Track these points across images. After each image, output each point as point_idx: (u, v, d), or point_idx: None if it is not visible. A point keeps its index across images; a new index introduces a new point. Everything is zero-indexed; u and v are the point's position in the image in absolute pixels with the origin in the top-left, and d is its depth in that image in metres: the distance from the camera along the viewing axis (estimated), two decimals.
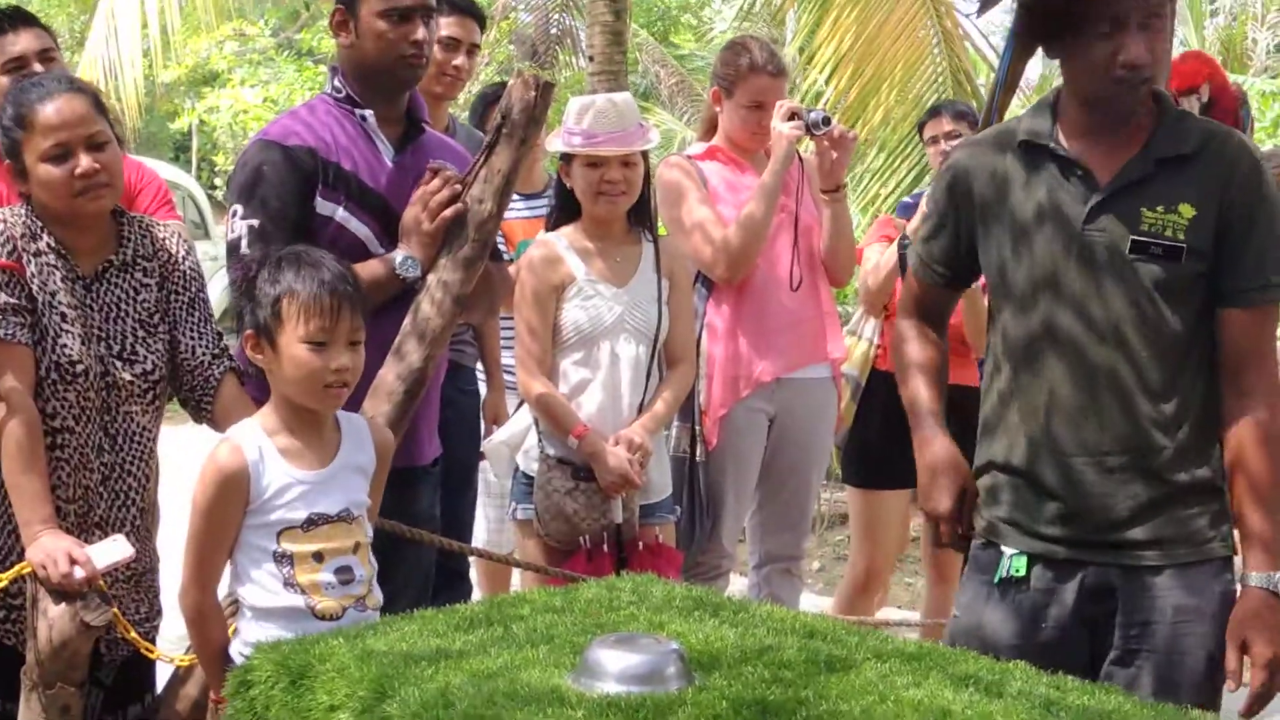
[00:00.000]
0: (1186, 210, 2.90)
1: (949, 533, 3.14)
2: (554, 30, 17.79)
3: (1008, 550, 3.02)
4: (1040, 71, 15.77)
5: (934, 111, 5.94)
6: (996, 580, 3.03)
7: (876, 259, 5.33)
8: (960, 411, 3.43)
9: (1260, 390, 2.91)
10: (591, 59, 7.74)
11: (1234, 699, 2.94)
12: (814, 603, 6.84)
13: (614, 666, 2.23)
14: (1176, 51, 4.67)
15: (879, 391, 5.28)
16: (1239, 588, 2.90)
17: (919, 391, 3.25)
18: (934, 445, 3.17)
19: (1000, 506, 3.06)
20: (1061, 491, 2.97)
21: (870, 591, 5.49)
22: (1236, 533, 2.96)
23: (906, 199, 6.03)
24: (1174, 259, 2.90)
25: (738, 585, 5.67)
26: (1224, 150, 2.95)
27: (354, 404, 3.37)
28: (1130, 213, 2.92)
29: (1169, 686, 2.90)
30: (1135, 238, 2.90)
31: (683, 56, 21.26)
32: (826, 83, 10.05)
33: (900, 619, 5.85)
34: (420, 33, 3.72)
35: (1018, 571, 2.99)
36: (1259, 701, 2.86)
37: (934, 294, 3.31)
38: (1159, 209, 2.90)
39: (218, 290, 7.22)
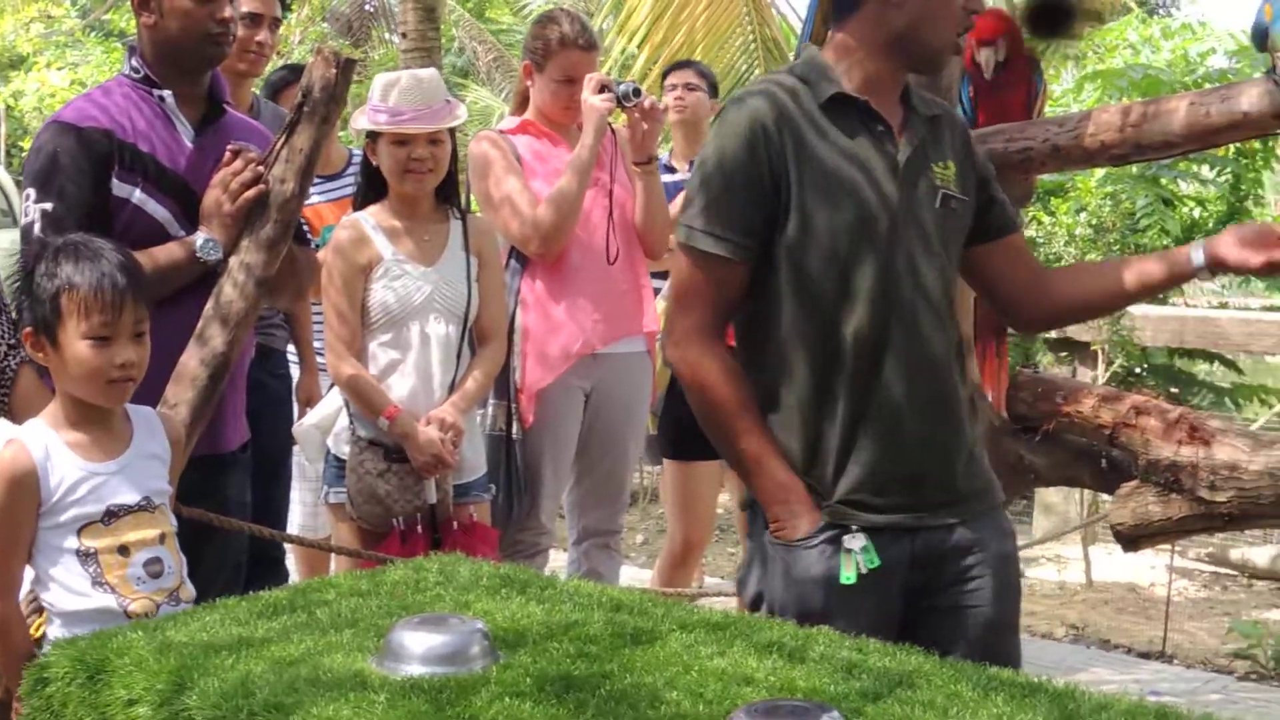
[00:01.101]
0: (952, 166, 3.01)
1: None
2: (368, 6, 17.62)
3: (854, 544, 2.89)
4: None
5: (678, 65, 6.25)
6: (852, 580, 2.88)
7: None
8: None
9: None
10: (404, 35, 7.66)
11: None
12: (637, 576, 6.89)
13: (417, 648, 2.21)
14: None
15: None
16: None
17: (750, 442, 2.95)
18: (773, 467, 2.95)
19: (841, 486, 2.93)
20: (904, 460, 2.93)
21: (688, 563, 5.52)
22: (1131, 275, 3.08)
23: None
24: (961, 211, 3.01)
25: (557, 561, 5.67)
26: (950, 112, 3.14)
27: (155, 391, 3.31)
28: (927, 168, 2.97)
29: (998, 636, 2.98)
30: (943, 191, 2.96)
31: (500, 31, 21.15)
32: (639, 48, 10.09)
33: (719, 589, 5.90)
34: (226, 10, 3.66)
35: (871, 565, 2.88)
36: None
37: (732, 280, 2.95)
38: (939, 165, 2.98)
39: None
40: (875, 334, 2.89)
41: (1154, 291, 3.11)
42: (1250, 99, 3.83)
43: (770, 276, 2.93)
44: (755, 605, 3.02)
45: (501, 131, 5.00)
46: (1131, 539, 4.11)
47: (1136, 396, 4.18)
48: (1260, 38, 3.92)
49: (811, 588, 2.90)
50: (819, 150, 2.90)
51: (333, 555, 4.74)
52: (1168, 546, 8.25)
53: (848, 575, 2.87)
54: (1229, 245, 2.96)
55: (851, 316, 2.89)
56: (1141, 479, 4.07)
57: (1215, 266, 2.98)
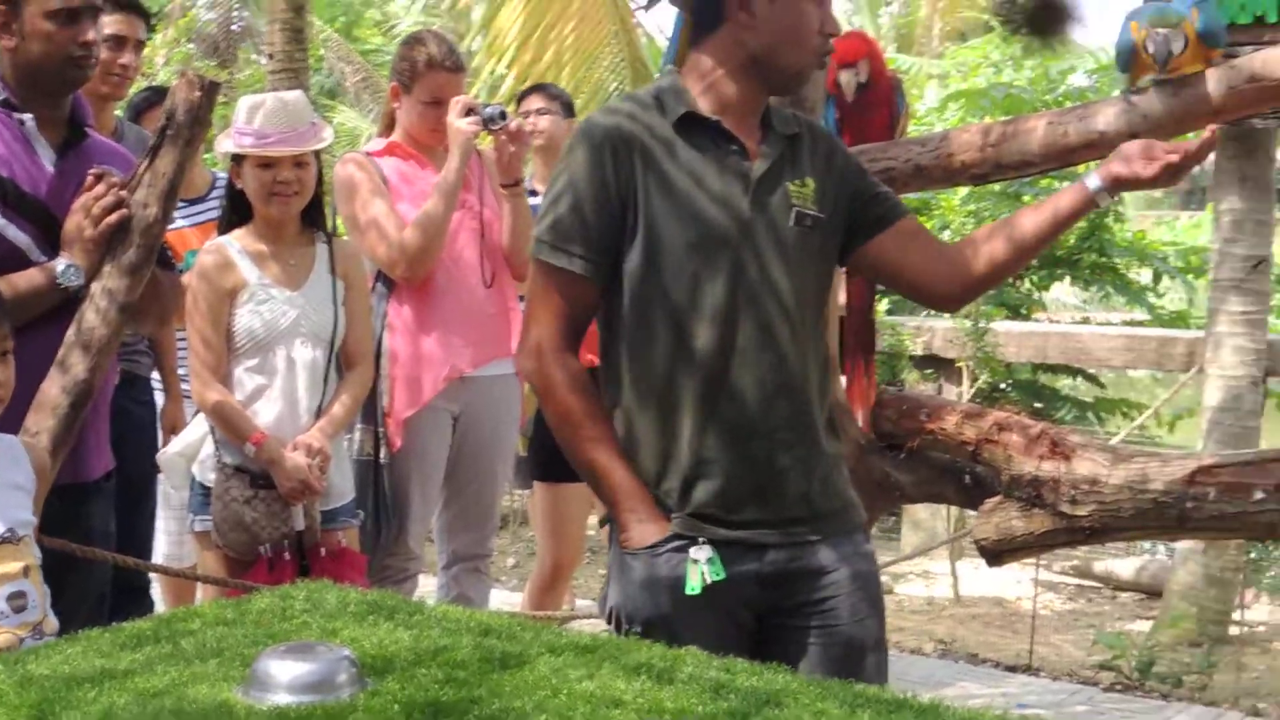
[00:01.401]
0: (811, 183, 3.04)
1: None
2: (235, 27, 17.47)
3: (700, 555, 2.92)
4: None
5: (533, 89, 6.29)
6: (697, 590, 2.92)
7: None
8: None
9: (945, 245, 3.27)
10: (271, 57, 7.64)
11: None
12: (508, 599, 6.88)
13: (284, 677, 2.19)
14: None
15: None
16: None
17: (597, 451, 2.98)
18: (618, 476, 2.98)
19: (692, 500, 2.97)
20: (755, 476, 2.96)
21: (558, 586, 5.52)
22: (1038, 220, 3.11)
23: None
24: (818, 228, 3.03)
25: (427, 586, 5.64)
26: (815, 128, 3.17)
27: (16, 419, 3.26)
28: (782, 186, 3.00)
29: (858, 656, 3.01)
30: (797, 209, 2.99)
31: (368, 52, 21.11)
32: (508, 68, 10.11)
33: (590, 611, 5.90)
34: (89, 33, 3.61)
35: (717, 577, 2.92)
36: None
37: (587, 298, 3.00)
38: (795, 183, 3.01)
39: None
40: (725, 350, 2.93)
41: (1064, 227, 3.14)
42: (1106, 118, 3.92)
43: (622, 293, 2.96)
44: (610, 616, 3.05)
45: (368, 154, 4.99)
46: (995, 554, 4.17)
47: (999, 413, 4.24)
48: (1125, 56, 4.01)
49: (658, 597, 2.94)
50: (668, 170, 2.93)
51: (199, 584, 4.69)
52: (1033, 561, 8.39)
53: (692, 586, 2.90)
54: (1120, 163, 3.01)
55: (701, 333, 2.93)
56: (1004, 494, 4.13)
57: (1112, 187, 3.02)
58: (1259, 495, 3.78)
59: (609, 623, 3.06)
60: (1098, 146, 3.96)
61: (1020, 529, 4.07)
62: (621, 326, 3.00)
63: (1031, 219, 3.10)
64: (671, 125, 2.97)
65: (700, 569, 2.91)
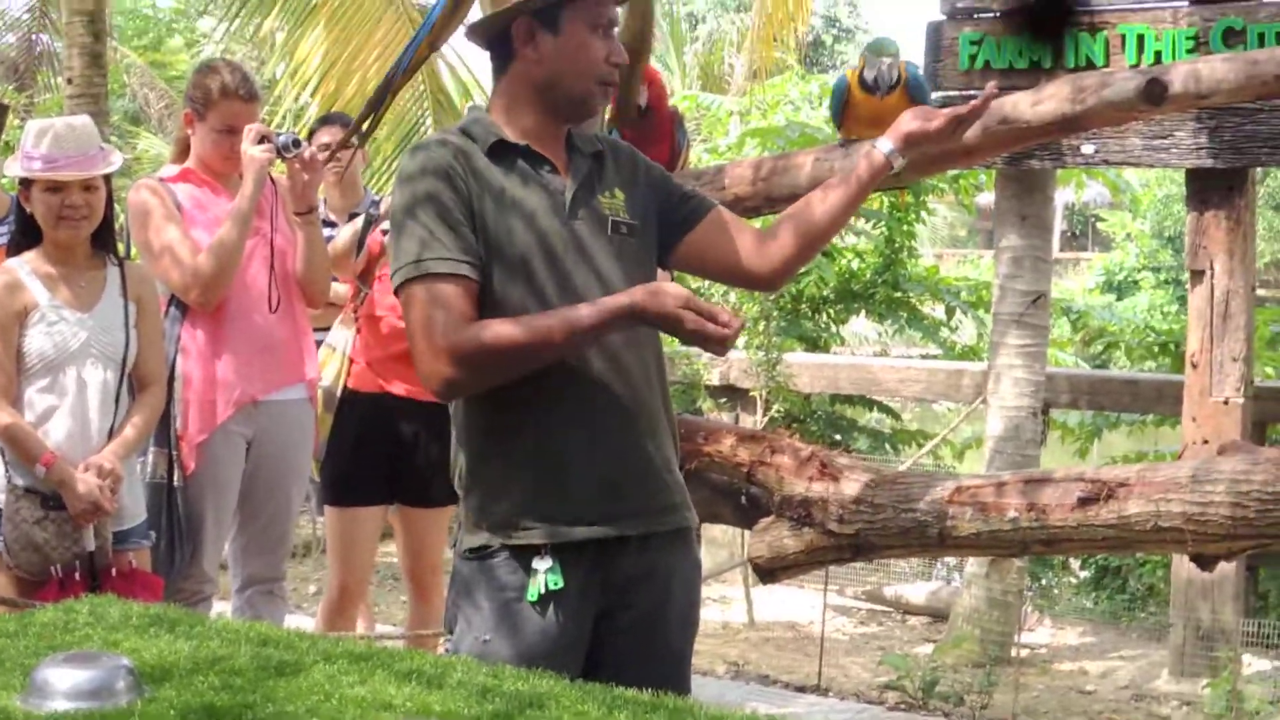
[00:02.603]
0: (620, 195, 3.17)
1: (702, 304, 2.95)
2: (38, 49, 17.17)
3: (541, 565, 3.01)
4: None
5: (326, 120, 6.32)
6: (534, 598, 3.01)
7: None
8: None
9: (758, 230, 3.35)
10: (70, 81, 7.55)
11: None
12: (304, 625, 6.86)
13: (62, 684, 2.24)
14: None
15: (352, 409, 5.39)
16: None
17: (541, 324, 2.96)
18: (579, 311, 2.97)
19: (537, 501, 3.04)
20: (600, 475, 3.04)
21: (347, 610, 5.52)
22: (839, 190, 3.23)
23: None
24: (634, 235, 3.17)
25: (221, 610, 5.65)
26: (615, 144, 3.31)
27: None
28: (594, 200, 3.13)
29: (678, 662, 3.19)
30: (612, 219, 3.12)
31: (174, 78, 20.87)
32: (312, 97, 10.12)
33: (384, 632, 5.95)
34: None
35: (555, 585, 3.00)
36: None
37: (467, 300, 3.00)
38: (605, 195, 3.15)
39: None
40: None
41: (864, 194, 3.25)
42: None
43: (489, 300, 3.03)
44: (450, 628, 3.14)
45: (161, 179, 4.99)
46: (769, 571, 4.33)
47: (773, 436, 4.41)
48: (839, 96, 4.23)
49: (499, 605, 3.03)
50: (495, 192, 3.04)
51: None
52: (827, 586, 8.60)
53: (532, 593, 3.00)
54: (907, 122, 3.20)
55: None
56: (777, 514, 4.29)
57: (903, 146, 3.18)
58: (1012, 514, 3.99)
59: (448, 632, 3.16)
60: None
61: (792, 547, 4.23)
62: None
63: (836, 192, 3.24)
64: (485, 153, 3.08)
65: (540, 578, 3.00)
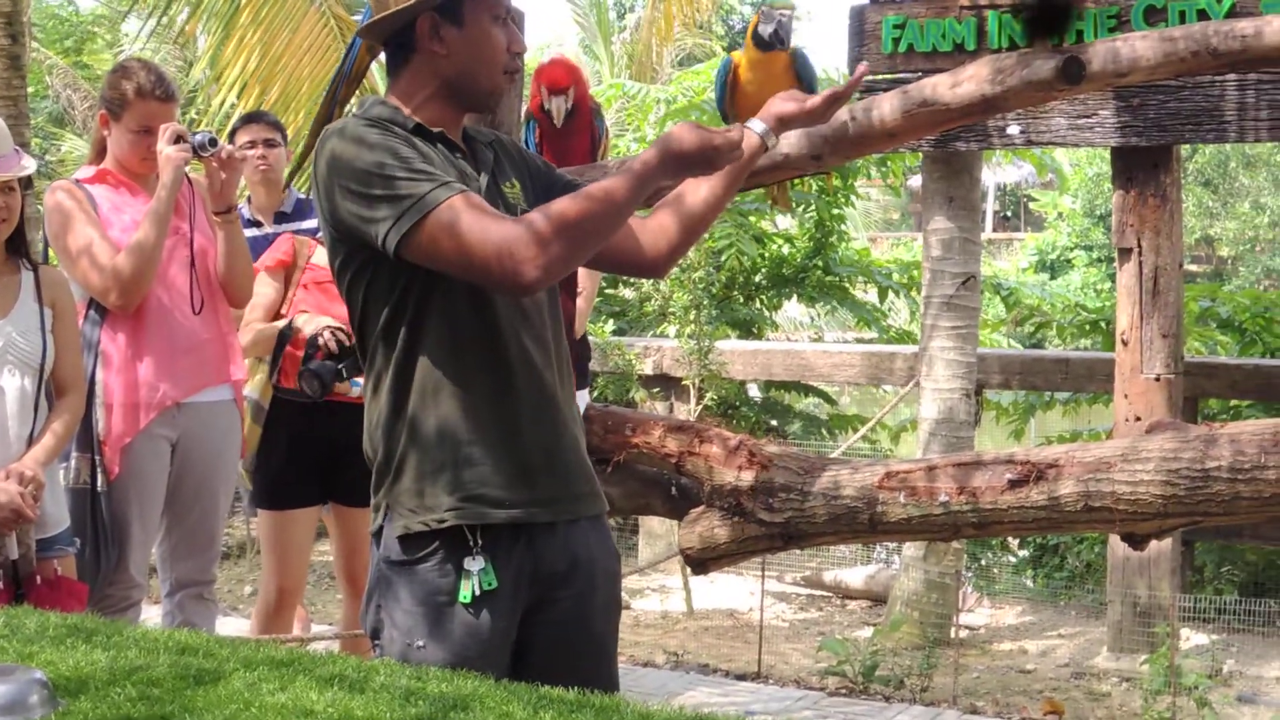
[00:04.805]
0: (517, 184, 3.17)
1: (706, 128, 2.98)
2: None
3: (474, 566, 2.98)
4: None
5: (248, 118, 6.22)
6: (467, 599, 2.98)
7: (263, 302, 5.42)
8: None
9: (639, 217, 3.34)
10: None
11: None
12: (242, 627, 6.83)
13: None
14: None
15: (282, 414, 5.37)
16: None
17: (624, 180, 2.94)
18: (649, 155, 2.96)
19: (464, 483, 3.00)
20: (521, 455, 3.03)
21: (284, 612, 5.50)
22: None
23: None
24: None
25: (151, 614, 5.60)
26: (500, 137, 3.31)
27: None
28: (502, 190, 3.12)
29: (603, 653, 3.18)
30: (519, 208, 3.09)
31: (98, 79, 20.68)
32: (238, 99, 10.05)
33: (319, 632, 5.92)
34: None
35: (489, 586, 2.98)
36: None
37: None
38: (508, 185, 3.15)
39: None
40: (489, 332, 3.01)
41: (744, 174, 3.24)
42: (789, 142, 4.10)
43: (411, 289, 2.99)
44: (376, 634, 3.08)
45: (78, 181, 4.95)
46: (700, 561, 4.32)
47: (701, 425, 4.40)
48: (721, 86, 4.25)
49: (430, 609, 2.99)
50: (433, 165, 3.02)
51: None
52: (765, 573, 8.61)
53: (465, 595, 2.97)
54: (779, 104, 3.22)
55: (466, 319, 3.00)
56: (707, 504, 4.28)
57: (777, 126, 3.20)
58: (943, 498, 3.99)
59: (373, 639, 3.09)
60: (782, 168, 4.14)
61: (723, 537, 4.22)
62: (404, 324, 3.01)
63: (713, 176, 3.21)
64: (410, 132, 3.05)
65: (473, 579, 2.98)
